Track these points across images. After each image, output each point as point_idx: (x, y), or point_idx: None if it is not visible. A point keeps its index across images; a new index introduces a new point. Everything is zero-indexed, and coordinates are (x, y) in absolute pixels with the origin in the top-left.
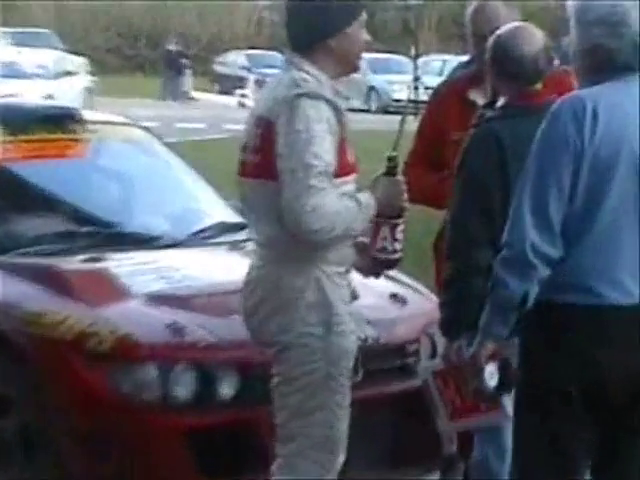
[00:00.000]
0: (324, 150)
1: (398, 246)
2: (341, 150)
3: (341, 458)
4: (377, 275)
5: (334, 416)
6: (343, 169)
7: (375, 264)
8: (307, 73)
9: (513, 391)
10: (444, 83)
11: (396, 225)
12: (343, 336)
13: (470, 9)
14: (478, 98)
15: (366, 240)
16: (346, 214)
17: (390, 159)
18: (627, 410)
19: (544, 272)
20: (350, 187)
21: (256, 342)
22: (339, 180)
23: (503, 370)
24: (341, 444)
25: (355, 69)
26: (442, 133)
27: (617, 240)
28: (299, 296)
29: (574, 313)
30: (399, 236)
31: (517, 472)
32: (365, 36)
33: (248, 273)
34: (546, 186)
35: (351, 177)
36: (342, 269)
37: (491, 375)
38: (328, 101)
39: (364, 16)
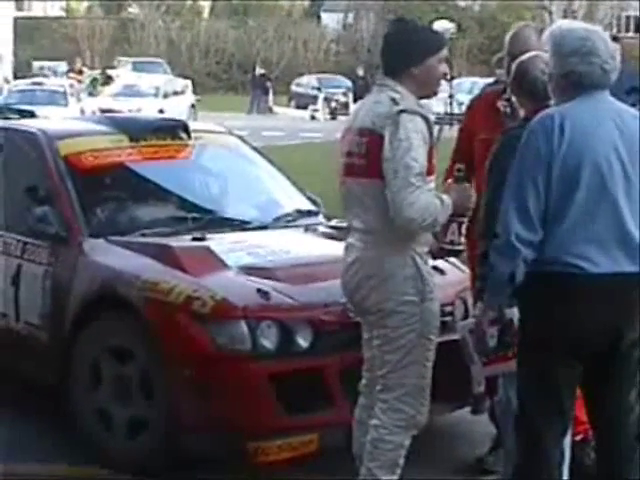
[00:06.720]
0: (419, 155)
1: (462, 239)
2: (430, 155)
3: (428, 403)
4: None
5: (425, 369)
6: (430, 170)
7: (442, 252)
8: (399, 93)
9: None
10: (476, 97)
11: (462, 223)
12: (432, 302)
13: (509, 34)
14: (507, 107)
15: (438, 232)
16: (434, 209)
17: (459, 170)
18: (604, 355)
19: (527, 253)
20: (433, 184)
21: (358, 311)
22: (428, 178)
23: (502, 333)
24: (428, 391)
25: (434, 94)
26: (473, 134)
27: (587, 223)
28: (398, 271)
29: (557, 281)
30: (463, 231)
31: (519, 399)
32: (443, 68)
33: (349, 255)
34: (525, 188)
35: (434, 177)
36: (427, 249)
37: (491, 337)
38: (422, 115)
39: (444, 52)
